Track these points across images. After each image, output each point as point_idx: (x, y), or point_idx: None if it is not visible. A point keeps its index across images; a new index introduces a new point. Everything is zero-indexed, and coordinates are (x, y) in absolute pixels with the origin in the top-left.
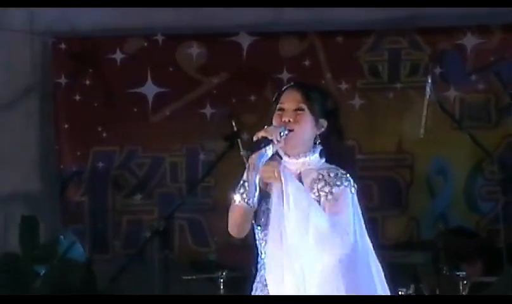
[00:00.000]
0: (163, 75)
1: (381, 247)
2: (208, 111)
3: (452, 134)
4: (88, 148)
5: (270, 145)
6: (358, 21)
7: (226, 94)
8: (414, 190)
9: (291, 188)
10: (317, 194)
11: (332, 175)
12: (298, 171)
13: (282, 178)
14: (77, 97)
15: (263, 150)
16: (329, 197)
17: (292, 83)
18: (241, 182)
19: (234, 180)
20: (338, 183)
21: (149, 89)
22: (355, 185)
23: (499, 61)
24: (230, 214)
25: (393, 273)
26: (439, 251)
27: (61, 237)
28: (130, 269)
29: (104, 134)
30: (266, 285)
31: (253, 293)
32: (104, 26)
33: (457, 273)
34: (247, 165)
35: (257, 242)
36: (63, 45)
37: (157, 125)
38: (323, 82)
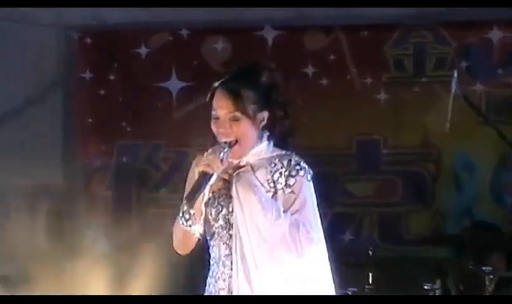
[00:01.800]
0: (188, 69)
1: (405, 242)
2: None
3: (477, 128)
4: (112, 142)
5: (213, 175)
6: (383, 15)
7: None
8: (440, 184)
9: (240, 191)
10: (273, 187)
11: (285, 163)
12: (249, 164)
13: (234, 184)
14: (102, 92)
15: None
16: (287, 190)
17: (221, 82)
18: (186, 208)
19: None
20: (293, 173)
21: (174, 84)
22: (311, 171)
23: None
24: (175, 231)
25: (418, 268)
26: (465, 245)
27: (87, 231)
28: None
29: (129, 129)
30: (217, 280)
31: (207, 288)
32: (129, 20)
33: (483, 268)
34: (195, 189)
35: (208, 237)
36: (88, 40)
37: (181, 119)
38: (348, 76)
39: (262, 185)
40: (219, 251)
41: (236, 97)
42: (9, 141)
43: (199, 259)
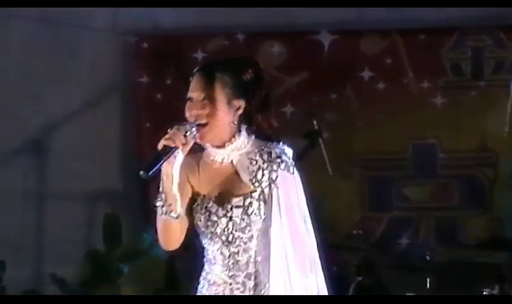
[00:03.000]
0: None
1: (463, 247)
2: (288, 109)
3: None
4: (169, 147)
5: (178, 150)
6: (440, 18)
7: (307, 93)
8: (497, 188)
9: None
10: (258, 185)
11: (265, 157)
12: (230, 161)
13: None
14: (158, 96)
15: (171, 157)
16: (272, 187)
17: (199, 68)
18: (159, 194)
19: (314, 178)
20: (275, 167)
21: None
22: (293, 162)
23: None
24: (158, 229)
25: (476, 273)
26: None
27: (144, 234)
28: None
29: None
30: (212, 284)
31: (199, 289)
32: (185, 25)
33: None
34: (162, 177)
35: (201, 237)
36: (144, 44)
37: None
38: (405, 80)
39: (247, 185)
40: (214, 256)
41: (209, 79)
42: (67, 145)
43: None
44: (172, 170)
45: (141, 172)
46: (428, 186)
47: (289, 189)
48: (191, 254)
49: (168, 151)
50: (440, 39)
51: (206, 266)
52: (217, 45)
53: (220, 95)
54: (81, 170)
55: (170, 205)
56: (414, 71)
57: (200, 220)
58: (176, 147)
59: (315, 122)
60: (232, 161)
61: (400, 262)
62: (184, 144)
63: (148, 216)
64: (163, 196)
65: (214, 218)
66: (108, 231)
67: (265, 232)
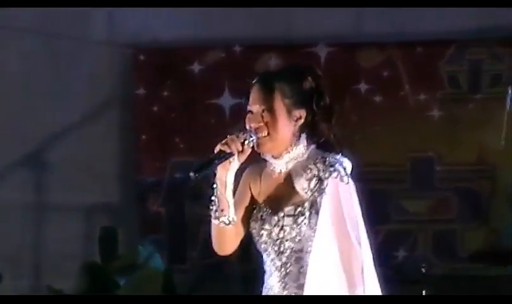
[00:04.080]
0: (241, 86)
1: (460, 260)
2: None
3: None
4: (166, 159)
5: (234, 157)
6: (438, 32)
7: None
8: (495, 201)
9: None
10: (310, 195)
11: (320, 166)
12: (287, 170)
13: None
14: (155, 108)
15: (226, 163)
16: (323, 195)
17: (257, 79)
18: (212, 200)
19: None
20: (326, 175)
21: (227, 100)
22: (348, 172)
23: None
24: (212, 233)
25: (473, 285)
26: None
27: (140, 247)
28: (208, 279)
29: (182, 145)
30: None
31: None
32: (182, 37)
33: None
34: (216, 181)
35: (257, 247)
36: (142, 57)
37: None
38: (402, 93)
39: (299, 194)
40: (269, 268)
41: (269, 90)
42: (65, 158)
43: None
44: (227, 176)
45: (191, 173)
46: (425, 199)
47: (339, 198)
48: (188, 267)
49: (222, 156)
50: (437, 52)
51: (265, 280)
52: (213, 58)
53: (280, 106)
54: (78, 182)
55: (222, 210)
56: (411, 84)
57: (254, 229)
58: (231, 154)
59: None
60: (289, 170)
61: (397, 274)
62: (240, 152)
63: (144, 228)
64: (216, 200)
65: (267, 226)
66: (104, 244)
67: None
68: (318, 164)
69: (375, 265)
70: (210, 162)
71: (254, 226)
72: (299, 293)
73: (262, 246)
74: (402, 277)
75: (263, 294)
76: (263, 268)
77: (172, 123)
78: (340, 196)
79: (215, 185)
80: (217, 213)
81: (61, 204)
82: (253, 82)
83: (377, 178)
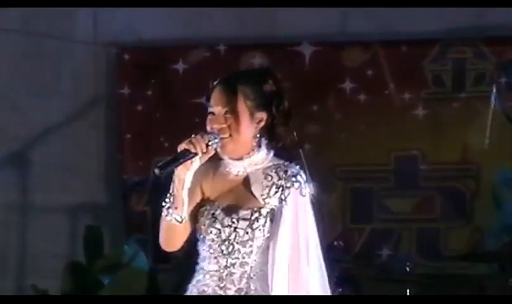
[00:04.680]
0: None
1: (444, 259)
2: None
3: None
4: (150, 158)
5: (196, 157)
6: (422, 31)
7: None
8: (479, 201)
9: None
10: (268, 202)
11: (281, 174)
12: (245, 174)
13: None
14: (140, 108)
15: (188, 162)
16: (283, 204)
17: (218, 81)
18: (168, 195)
19: None
20: (288, 184)
21: None
22: (308, 185)
23: None
24: (161, 228)
25: (456, 284)
26: (505, 262)
27: (125, 246)
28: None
29: (166, 144)
30: (202, 293)
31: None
32: (166, 36)
33: None
34: (174, 179)
35: (200, 243)
36: (126, 56)
37: None
38: (386, 91)
39: (257, 200)
40: (209, 266)
41: (231, 92)
42: (49, 157)
43: None
44: (186, 174)
45: (156, 170)
46: (409, 198)
47: (297, 209)
48: (172, 266)
49: (187, 155)
50: (421, 51)
51: (198, 275)
52: (198, 57)
53: (243, 108)
54: (63, 181)
55: (176, 208)
56: (396, 82)
57: (204, 225)
58: (196, 154)
59: (295, 134)
60: (247, 174)
61: (380, 274)
62: (204, 153)
63: (129, 228)
64: (171, 198)
65: (218, 226)
66: (88, 243)
67: (265, 250)
68: (279, 173)
69: (357, 265)
70: (175, 160)
71: (203, 222)
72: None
73: (208, 243)
74: (386, 276)
75: (193, 285)
76: (196, 261)
77: (156, 122)
78: (298, 207)
79: (172, 182)
80: (170, 209)
81: (46, 204)
82: (215, 83)
83: (361, 177)
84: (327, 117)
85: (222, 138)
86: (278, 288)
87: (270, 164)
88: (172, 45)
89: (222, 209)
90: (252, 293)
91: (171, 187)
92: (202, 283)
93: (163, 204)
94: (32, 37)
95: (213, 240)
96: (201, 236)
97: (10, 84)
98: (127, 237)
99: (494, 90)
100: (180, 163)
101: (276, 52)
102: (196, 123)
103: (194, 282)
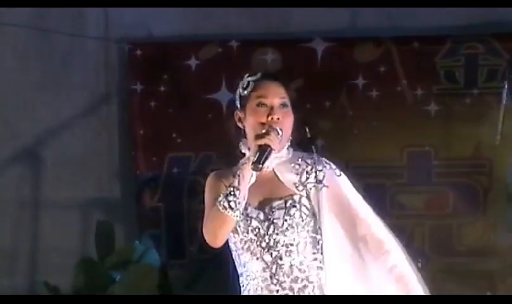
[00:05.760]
0: (238, 80)
1: (457, 254)
2: None
3: None
4: (163, 154)
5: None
6: (434, 26)
7: (300, 100)
8: (492, 196)
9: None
10: (302, 189)
11: (309, 161)
12: (271, 168)
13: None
14: (152, 104)
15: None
16: (319, 186)
17: (262, 75)
18: (232, 190)
19: None
20: (320, 167)
21: (224, 95)
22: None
23: None
24: (210, 220)
25: (469, 279)
26: None
27: (137, 242)
28: (206, 274)
29: (179, 140)
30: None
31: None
32: (179, 32)
33: None
34: (240, 174)
35: (234, 252)
36: (138, 52)
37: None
38: (399, 88)
39: (288, 188)
40: (252, 267)
41: (285, 85)
42: (61, 154)
43: None
44: (250, 171)
45: (259, 165)
46: (422, 194)
47: (339, 186)
48: (185, 262)
49: (269, 150)
50: (433, 47)
51: (247, 285)
52: (210, 53)
53: (292, 104)
54: (75, 178)
55: (239, 203)
56: (408, 78)
57: (239, 226)
58: (273, 149)
59: (307, 130)
60: (273, 169)
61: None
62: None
63: (142, 224)
64: (237, 192)
65: (255, 223)
66: (100, 239)
67: (314, 233)
68: (307, 160)
69: None
70: (265, 152)
71: (238, 223)
72: (294, 287)
73: (246, 244)
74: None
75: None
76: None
77: (169, 118)
78: (339, 184)
79: (238, 177)
80: (232, 202)
81: (57, 200)
82: (254, 78)
83: (374, 173)
84: (339, 113)
85: (280, 130)
86: (332, 268)
87: (295, 156)
88: (184, 41)
89: (255, 207)
90: (310, 277)
91: (235, 182)
92: (250, 286)
93: (223, 199)
94: (43, 33)
95: (251, 240)
96: (239, 238)
97: (21, 81)
98: (140, 233)
99: (506, 86)
100: (267, 158)
101: (288, 48)
102: (208, 119)
103: (245, 292)
